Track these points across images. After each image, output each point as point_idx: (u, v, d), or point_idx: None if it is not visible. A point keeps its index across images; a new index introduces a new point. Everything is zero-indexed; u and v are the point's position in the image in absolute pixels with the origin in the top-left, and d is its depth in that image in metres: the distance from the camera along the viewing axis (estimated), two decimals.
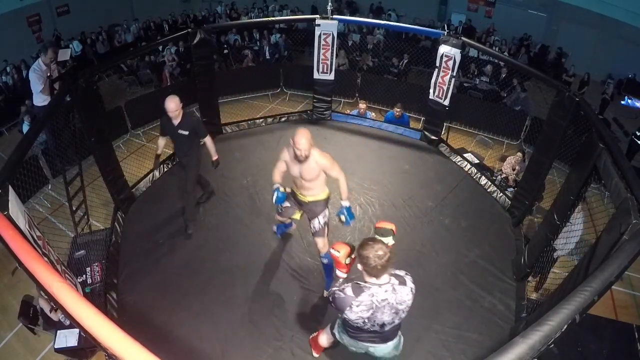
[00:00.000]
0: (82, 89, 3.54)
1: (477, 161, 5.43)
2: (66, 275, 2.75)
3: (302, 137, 2.73)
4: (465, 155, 5.43)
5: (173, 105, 3.47)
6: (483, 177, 5.02)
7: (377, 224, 2.47)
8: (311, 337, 3.03)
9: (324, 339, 2.72)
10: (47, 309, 3.41)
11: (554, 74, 9.47)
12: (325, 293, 3.37)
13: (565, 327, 1.41)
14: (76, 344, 3.08)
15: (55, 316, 3.35)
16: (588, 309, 1.53)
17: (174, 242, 3.94)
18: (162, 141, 3.91)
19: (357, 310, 1.96)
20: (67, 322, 3.13)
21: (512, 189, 4.89)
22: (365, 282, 1.99)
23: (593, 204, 4.52)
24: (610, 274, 1.64)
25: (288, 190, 3.16)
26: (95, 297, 3.34)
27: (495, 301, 3.50)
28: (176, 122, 3.62)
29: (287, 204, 3.18)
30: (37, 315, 3.50)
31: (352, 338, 2.27)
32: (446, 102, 5.20)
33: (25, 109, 6.87)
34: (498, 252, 3.99)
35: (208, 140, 3.85)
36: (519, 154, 5.40)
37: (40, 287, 1.49)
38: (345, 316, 2.02)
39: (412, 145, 5.66)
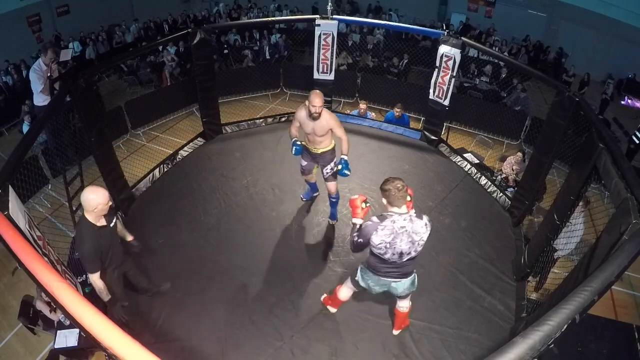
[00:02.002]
0: (82, 89, 3.54)
1: (477, 161, 5.43)
2: (66, 275, 2.75)
3: (317, 97, 3.28)
4: (465, 155, 5.43)
5: None
6: (483, 177, 5.02)
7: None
8: (324, 297, 3.34)
9: (344, 292, 2.99)
10: (46, 311, 3.42)
11: (554, 74, 9.48)
12: (330, 221, 4.13)
13: (565, 327, 1.41)
14: (76, 344, 3.08)
15: (55, 316, 3.35)
16: (588, 309, 1.53)
17: (174, 242, 3.94)
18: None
19: (381, 234, 2.30)
20: (67, 322, 3.13)
21: (512, 189, 4.89)
22: (388, 212, 2.33)
23: (593, 204, 4.51)
24: (610, 274, 1.64)
25: (304, 143, 3.70)
26: (95, 297, 3.34)
27: (495, 301, 3.50)
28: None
29: (304, 162, 3.84)
30: (37, 315, 3.50)
31: (375, 274, 2.57)
32: (446, 102, 5.20)
33: (25, 109, 6.88)
34: (498, 252, 3.99)
35: (92, 279, 2.56)
36: (519, 154, 5.40)
37: (40, 287, 1.49)
38: (371, 242, 2.34)
39: (412, 145, 5.66)
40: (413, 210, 2.35)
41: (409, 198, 2.39)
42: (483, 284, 3.65)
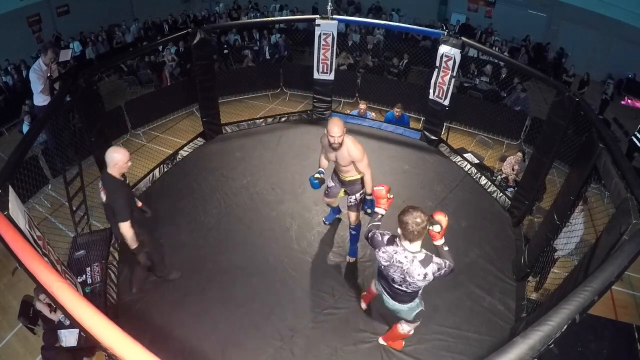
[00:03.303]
0: (82, 89, 3.54)
1: (477, 161, 5.43)
2: (66, 275, 2.75)
3: (335, 126, 2.92)
4: (465, 155, 5.43)
5: None
6: (483, 177, 5.02)
7: (434, 214, 2.46)
8: (362, 294, 3.33)
9: (372, 285, 3.00)
10: (45, 312, 3.41)
11: (554, 74, 9.48)
12: (349, 259, 3.77)
13: (565, 327, 1.42)
14: (76, 344, 3.08)
15: (56, 316, 3.34)
16: (588, 309, 1.53)
17: (174, 242, 3.94)
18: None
19: (380, 255, 2.28)
20: (67, 322, 3.13)
21: (512, 189, 4.89)
22: (400, 242, 2.21)
23: (593, 204, 4.51)
24: (610, 274, 1.64)
25: (322, 176, 3.33)
26: (95, 297, 3.34)
27: (495, 301, 3.50)
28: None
29: (331, 183, 3.54)
30: (37, 315, 3.50)
31: (377, 279, 2.59)
32: (446, 102, 5.20)
33: (25, 109, 6.87)
34: (498, 252, 3.99)
35: (122, 227, 2.82)
36: (519, 154, 5.40)
37: (40, 287, 1.49)
38: (376, 252, 2.33)
39: (412, 145, 5.66)
40: (423, 254, 2.18)
41: (438, 228, 2.28)
42: (483, 284, 3.64)
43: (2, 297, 4.10)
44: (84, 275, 3.50)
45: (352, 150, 3.06)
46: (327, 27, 5.34)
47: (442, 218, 2.32)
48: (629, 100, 9.30)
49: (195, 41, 4.78)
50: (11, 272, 4.21)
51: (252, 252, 3.86)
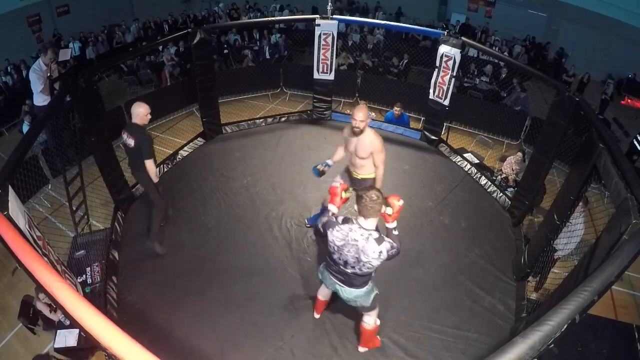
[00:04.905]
0: (82, 89, 3.54)
1: (477, 161, 5.43)
2: (66, 275, 2.75)
3: (360, 111, 3.09)
4: (465, 155, 5.43)
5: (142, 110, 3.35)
6: (483, 177, 5.02)
7: (388, 197, 2.49)
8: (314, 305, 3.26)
9: (318, 294, 3.06)
10: (46, 312, 3.41)
11: (554, 74, 9.48)
12: (307, 224, 4.03)
13: (565, 327, 1.41)
14: (76, 344, 3.08)
15: (55, 316, 3.35)
16: (588, 309, 1.53)
17: (174, 242, 3.94)
18: None
19: (335, 235, 2.28)
20: (67, 322, 3.13)
21: (512, 189, 4.89)
22: (355, 220, 2.27)
23: (593, 204, 4.51)
24: (610, 274, 1.64)
25: (325, 168, 3.49)
26: (95, 297, 3.34)
27: (495, 301, 3.50)
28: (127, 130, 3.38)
29: (340, 180, 3.50)
30: (37, 315, 3.50)
31: (326, 270, 2.57)
32: (446, 102, 5.20)
33: (25, 109, 6.87)
34: (498, 252, 3.99)
35: (148, 164, 3.38)
36: (519, 154, 5.40)
37: (40, 287, 1.49)
38: (328, 236, 2.33)
39: (412, 145, 5.66)
40: (377, 233, 2.22)
41: (389, 211, 2.34)
42: (483, 284, 3.64)
43: (2, 297, 4.10)
44: (84, 275, 3.51)
45: (373, 139, 3.15)
46: (327, 27, 5.34)
47: (395, 202, 2.38)
48: (629, 100, 9.30)
49: (195, 41, 4.78)
50: (11, 272, 4.21)
51: (252, 252, 3.86)
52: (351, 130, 3.17)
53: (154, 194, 3.64)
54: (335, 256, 2.35)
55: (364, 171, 3.34)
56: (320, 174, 3.45)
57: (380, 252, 2.20)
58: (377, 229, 2.26)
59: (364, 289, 2.50)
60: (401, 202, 2.40)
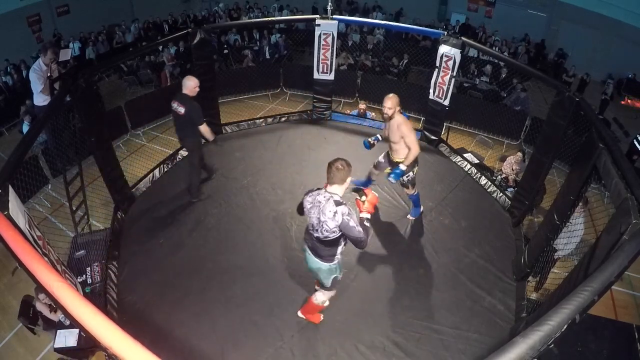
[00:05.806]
0: (82, 89, 3.53)
1: (477, 161, 5.43)
2: (66, 275, 2.75)
3: (388, 100, 3.48)
4: (465, 155, 5.43)
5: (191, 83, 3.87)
6: (483, 177, 5.02)
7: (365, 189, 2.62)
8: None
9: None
10: (46, 312, 3.41)
11: (554, 74, 9.48)
12: (410, 217, 4.26)
13: (565, 327, 1.41)
14: (76, 344, 3.08)
15: (56, 317, 3.35)
16: (588, 309, 1.53)
17: (174, 242, 3.94)
18: None
19: (307, 199, 2.55)
20: (67, 322, 3.13)
21: (512, 189, 4.89)
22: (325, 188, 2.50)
23: (593, 204, 4.51)
24: (610, 274, 1.64)
25: (375, 142, 3.90)
26: (95, 297, 3.34)
27: (495, 301, 3.50)
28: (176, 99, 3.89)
29: (382, 159, 4.01)
30: (37, 315, 3.50)
31: (304, 240, 2.76)
32: (446, 102, 5.20)
33: (25, 109, 6.87)
34: (498, 252, 3.99)
35: (202, 128, 3.97)
36: (519, 154, 5.40)
37: (40, 287, 1.49)
38: (303, 203, 2.59)
39: None
40: (337, 196, 2.41)
41: (364, 198, 2.50)
42: (483, 284, 3.65)
43: (2, 297, 4.11)
44: (84, 275, 3.51)
45: (401, 124, 3.50)
46: (327, 27, 5.34)
47: (370, 193, 2.54)
48: (629, 100, 9.31)
49: (195, 41, 4.78)
50: (11, 272, 4.21)
51: (252, 252, 3.86)
52: (382, 117, 3.57)
53: (195, 159, 4.27)
54: (308, 221, 2.57)
55: (397, 155, 3.71)
56: (371, 146, 3.87)
57: (336, 212, 2.35)
58: (342, 201, 2.42)
59: (327, 265, 2.66)
60: (375, 195, 2.55)
